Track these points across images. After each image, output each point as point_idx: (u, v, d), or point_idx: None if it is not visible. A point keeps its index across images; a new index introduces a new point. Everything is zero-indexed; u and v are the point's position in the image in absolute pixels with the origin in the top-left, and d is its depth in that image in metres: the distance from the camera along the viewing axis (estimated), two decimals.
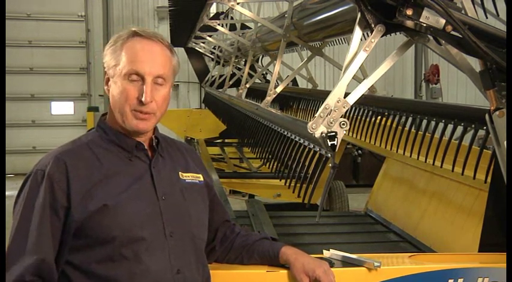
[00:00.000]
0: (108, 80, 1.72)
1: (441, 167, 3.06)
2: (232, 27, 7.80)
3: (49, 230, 1.59)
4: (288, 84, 4.49)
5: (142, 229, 1.64)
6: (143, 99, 1.65)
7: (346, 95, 2.05)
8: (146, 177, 1.70)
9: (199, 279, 1.77)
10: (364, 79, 2.10)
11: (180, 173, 1.81)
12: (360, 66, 2.07)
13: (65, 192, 1.60)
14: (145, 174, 1.71)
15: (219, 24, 6.77)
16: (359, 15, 2.00)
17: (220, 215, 2.00)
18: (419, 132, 3.33)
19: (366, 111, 4.03)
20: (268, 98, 3.97)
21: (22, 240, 1.59)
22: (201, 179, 1.86)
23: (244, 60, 7.98)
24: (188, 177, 1.82)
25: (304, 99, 6.23)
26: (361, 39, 2.08)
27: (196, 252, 1.78)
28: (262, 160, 4.03)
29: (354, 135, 4.19)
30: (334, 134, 2.00)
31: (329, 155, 2.23)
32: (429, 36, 1.98)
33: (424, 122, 3.20)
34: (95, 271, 1.60)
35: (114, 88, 1.69)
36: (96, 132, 1.76)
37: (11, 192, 9.15)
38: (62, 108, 12.73)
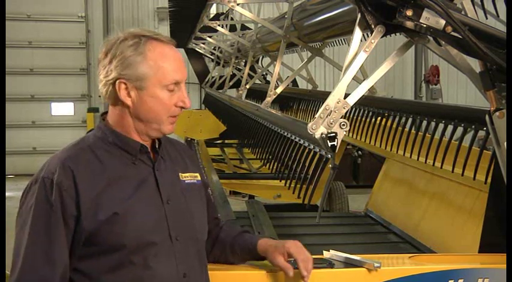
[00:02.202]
0: (126, 88, 1.64)
1: (441, 167, 3.06)
2: (232, 28, 7.81)
3: (64, 241, 1.57)
4: (288, 85, 4.49)
5: (151, 235, 1.64)
6: (186, 105, 1.68)
7: (346, 95, 2.05)
8: (150, 181, 1.69)
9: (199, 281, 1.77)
10: (364, 80, 2.10)
11: (179, 174, 1.80)
12: (360, 67, 2.08)
13: (73, 200, 1.57)
14: (149, 177, 1.69)
15: (219, 25, 6.77)
16: (359, 16, 2.00)
17: (212, 213, 1.99)
18: (419, 133, 3.33)
19: (366, 112, 4.03)
20: (268, 99, 3.97)
21: (38, 250, 1.55)
22: (199, 178, 1.85)
23: (244, 61, 7.99)
24: (187, 177, 1.81)
25: (304, 100, 6.23)
26: (361, 40, 2.09)
27: (199, 254, 1.78)
28: (263, 161, 4.03)
29: (354, 136, 4.19)
30: (334, 134, 2.00)
31: (329, 155, 2.23)
32: (429, 37, 1.98)
33: (424, 122, 3.20)
34: (104, 278, 1.59)
35: (150, 100, 1.64)
36: (97, 134, 1.71)
37: (11, 193, 9.18)
38: (62, 109, 12.73)
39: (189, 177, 1.81)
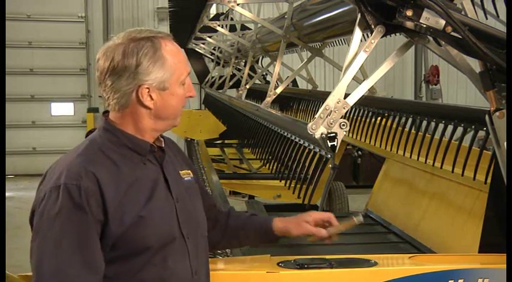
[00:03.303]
0: (149, 91, 1.62)
1: (441, 168, 3.05)
2: (232, 28, 7.81)
3: (99, 244, 1.54)
4: (288, 85, 4.49)
5: (170, 235, 1.65)
6: (193, 93, 1.73)
7: (346, 95, 2.06)
8: (161, 181, 1.69)
9: (205, 279, 1.79)
10: (364, 80, 2.10)
11: (179, 172, 1.80)
12: (360, 67, 2.08)
13: (100, 206, 1.54)
14: (160, 177, 1.69)
15: (219, 25, 6.77)
16: (359, 16, 2.00)
17: (209, 201, 2.01)
18: (419, 133, 3.33)
19: (366, 112, 4.03)
20: (268, 99, 3.97)
21: (76, 258, 1.50)
22: (191, 175, 1.85)
23: (244, 61, 7.99)
24: (185, 175, 1.81)
25: (304, 100, 6.23)
26: (361, 40, 2.09)
27: (206, 251, 1.80)
28: (262, 161, 4.04)
29: (354, 136, 4.19)
30: (334, 134, 2.00)
31: (329, 155, 2.24)
32: (429, 37, 1.98)
33: (424, 122, 3.20)
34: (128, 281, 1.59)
35: (172, 98, 1.66)
36: (103, 135, 1.67)
37: (11, 193, 9.19)
38: (62, 109, 12.73)
39: (186, 174, 1.82)
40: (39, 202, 1.56)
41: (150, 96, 1.63)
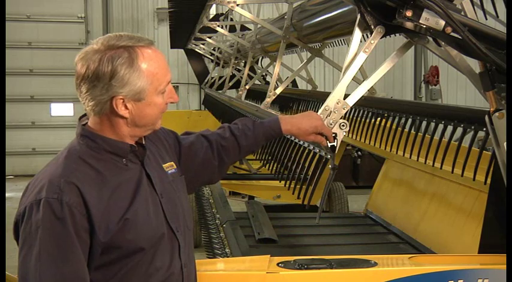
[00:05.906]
0: (123, 102, 1.59)
1: (441, 168, 3.05)
2: (232, 29, 7.82)
3: (81, 254, 1.53)
4: (287, 86, 4.50)
5: (159, 232, 1.65)
6: (175, 100, 1.69)
7: (346, 96, 2.06)
8: (144, 179, 1.68)
9: (194, 271, 1.79)
10: (363, 80, 2.10)
11: (162, 165, 1.79)
12: (360, 67, 2.08)
13: (84, 216, 1.53)
14: (142, 176, 1.68)
15: (218, 26, 6.78)
16: (359, 16, 2.00)
17: (202, 144, 2.00)
18: (419, 133, 3.33)
19: (365, 112, 4.03)
20: (268, 100, 3.98)
21: (62, 270, 1.50)
22: (174, 166, 1.83)
23: (243, 61, 7.99)
24: (168, 168, 1.80)
25: (303, 100, 6.24)
26: (360, 41, 2.09)
27: (192, 244, 1.80)
28: (262, 161, 4.03)
29: (354, 137, 4.19)
30: (334, 135, 2.00)
31: (329, 156, 2.23)
32: (429, 37, 1.98)
33: (424, 123, 3.20)
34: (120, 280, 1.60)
35: (149, 108, 1.62)
36: (82, 142, 1.64)
37: (10, 193, 9.18)
38: (62, 110, 12.70)
39: (169, 167, 1.80)
40: (21, 216, 1.55)
41: (125, 106, 1.60)
